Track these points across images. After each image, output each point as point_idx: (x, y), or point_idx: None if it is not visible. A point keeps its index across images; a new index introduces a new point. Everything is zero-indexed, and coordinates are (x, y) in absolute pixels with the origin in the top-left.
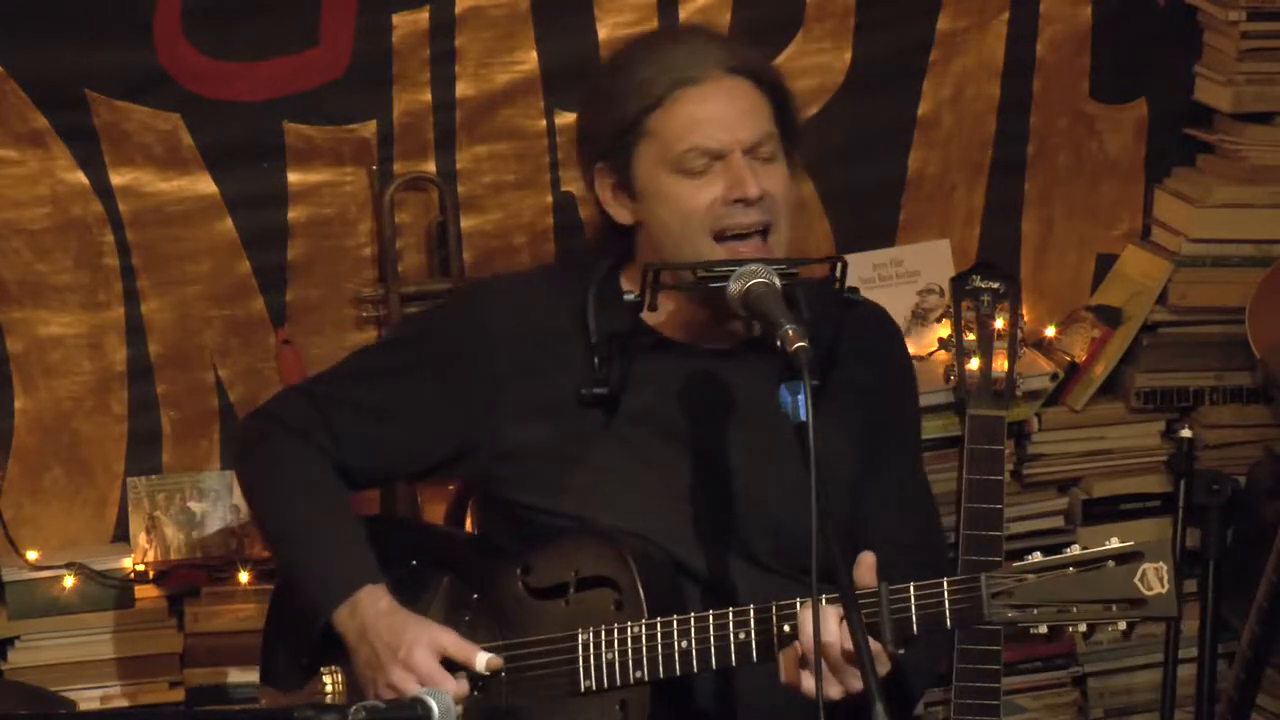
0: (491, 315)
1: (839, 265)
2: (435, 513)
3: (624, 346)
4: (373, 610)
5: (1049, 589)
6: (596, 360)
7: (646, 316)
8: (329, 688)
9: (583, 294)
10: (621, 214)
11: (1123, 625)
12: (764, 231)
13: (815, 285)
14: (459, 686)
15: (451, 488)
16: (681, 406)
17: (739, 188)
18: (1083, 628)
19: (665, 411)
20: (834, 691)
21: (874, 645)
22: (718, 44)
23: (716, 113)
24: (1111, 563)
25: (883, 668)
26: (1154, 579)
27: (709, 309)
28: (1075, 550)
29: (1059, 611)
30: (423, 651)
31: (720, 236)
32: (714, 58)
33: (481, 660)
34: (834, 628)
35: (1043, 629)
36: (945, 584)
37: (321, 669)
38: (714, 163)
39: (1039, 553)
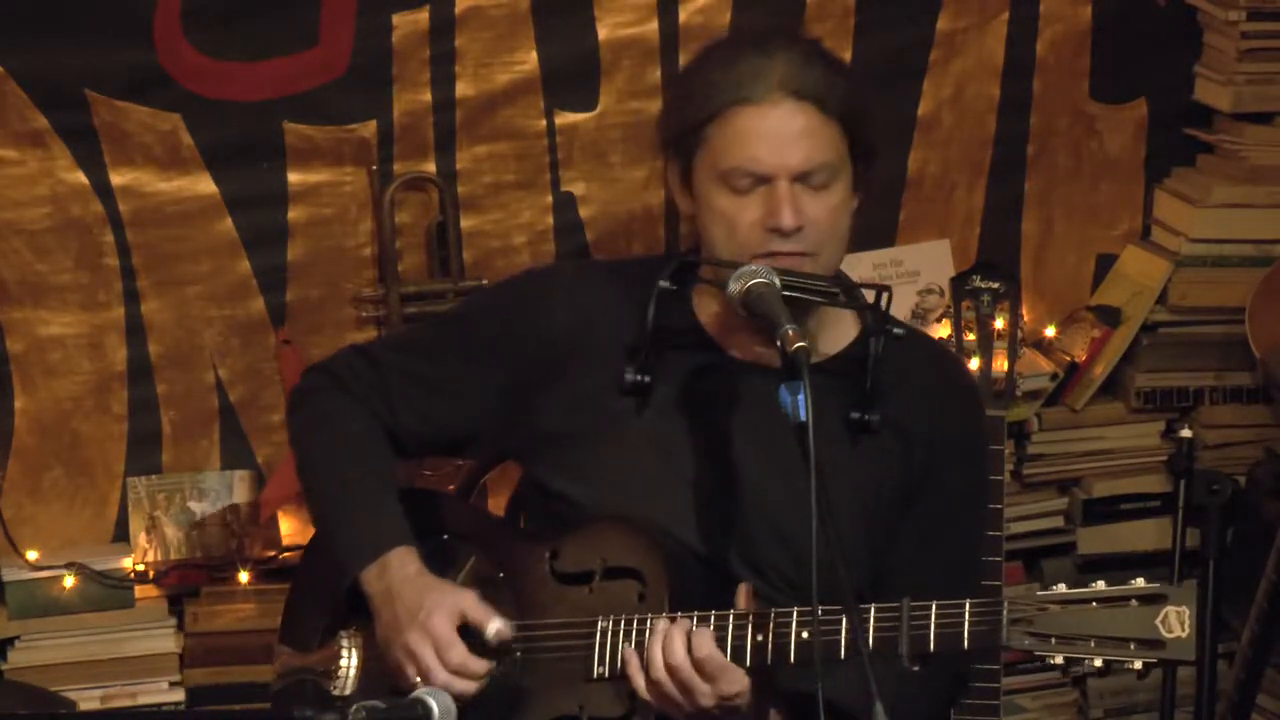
0: (557, 302)
1: (884, 294)
2: (497, 503)
3: (673, 343)
4: (401, 574)
5: (1069, 621)
6: (642, 349)
7: (700, 317)
8: (344, 652)
9: (654, 284)
10: (684, 204)
11: (1138, 665)
12: (802, 258)
13: (884, 321)
14: (467, 657)
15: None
16: (709, 412)
17: (775, 217)
18: (1099, 663)
19: (693, 414)
20: (704, 704)
21: (723, 663)
22: (790, 60)
23: (767, 137)
24: (1135, 602)
25: (731, 686)
26: (1175, 622)
27: (749, 324)
28: (1100, 585)
29: (1076, 644)
30: (442, 617)
31: (759, 258)
32: (779, 77)
33: (492, 627)
34: (678, 648)
35: (1058, 659)
36: (967, 605)
37: (341, 632)
38: (758, 185)
39: (1063, 585)
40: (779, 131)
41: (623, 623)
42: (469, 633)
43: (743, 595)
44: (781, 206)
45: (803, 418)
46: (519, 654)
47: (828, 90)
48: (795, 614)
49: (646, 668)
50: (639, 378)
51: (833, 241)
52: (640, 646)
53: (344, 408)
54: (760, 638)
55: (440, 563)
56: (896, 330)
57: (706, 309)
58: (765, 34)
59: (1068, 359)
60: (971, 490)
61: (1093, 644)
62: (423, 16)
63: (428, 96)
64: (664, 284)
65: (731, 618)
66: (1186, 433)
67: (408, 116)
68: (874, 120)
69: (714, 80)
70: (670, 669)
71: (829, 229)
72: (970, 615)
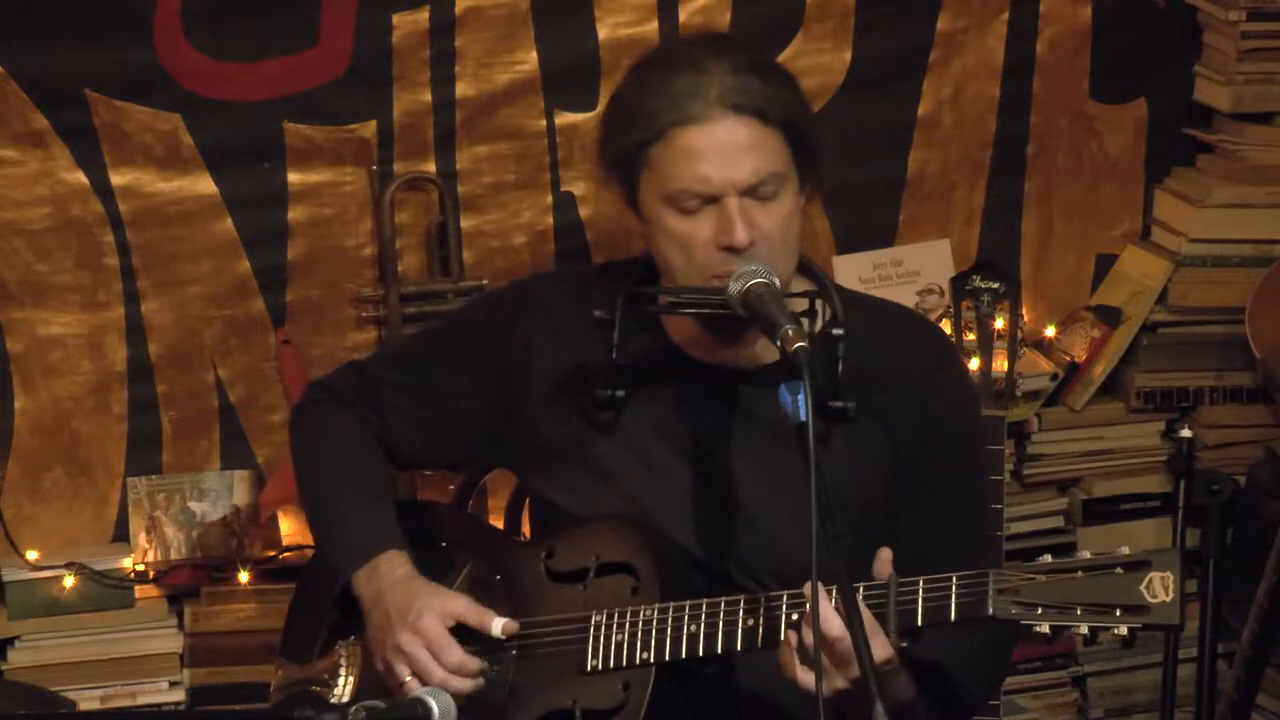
0: (536, 313)
1: (819, 301)
2: (497, 503)
3: (644, 355)
4: (390, 576)
5: (1055, 590)
6: (614, 364)
7: (669, 329)
8: (343, 661)
9: (620, 295)
10: (633, 222)
11: (1124, 631)
12: None
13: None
14: (464, 657)
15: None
16: (690, 421)
17: (728, 236)
18: (1084, 630)
19: (674, 424)
20: (839, 683)
21: (873, 627)
22: (726, 73)
23: (712, 155)
24: (1120, 569)
25: (881, 651)
26: (1160, 588)
27: (714, 332)
28: (1085, 554)
29: (1062, 612)
30: (432, 617)
31: (717, 278)
32: (718, 92)
33: (497, 624)
34: (840, 622)
35: (1044, 628)
36: (954, 578)
37: (339, 642)
38: (707, 204)
39: (1049, 555)
40: (723, 149)
41: (616, 616)
42: (461, 634)
43: (882, 561)
44: (733, 224)
45: (803, 417)
46: (514, 651)
47: (766, 100)
48: (785, 597)
49: (821, 635)
50: (612, 392)
51: (784, 252)
52: (634, 637)
53: (339, 419)
54: (751, 622)
55: (438, 570)
56: (836, 330)
57: (676, 325)
58: (697, 48)
59: (1068, 359)
60: (968, 461)
61: (1079, 611)
62: (423, 16)
63: (428, 96)
64: (599, 315)
65: (723, 604)
66: (1186, 433)
67: (408, 116)
68: (814, 120)
69: (652, 101)
70: (835, 640)
71: (780, 239)
72: (956, 587)
